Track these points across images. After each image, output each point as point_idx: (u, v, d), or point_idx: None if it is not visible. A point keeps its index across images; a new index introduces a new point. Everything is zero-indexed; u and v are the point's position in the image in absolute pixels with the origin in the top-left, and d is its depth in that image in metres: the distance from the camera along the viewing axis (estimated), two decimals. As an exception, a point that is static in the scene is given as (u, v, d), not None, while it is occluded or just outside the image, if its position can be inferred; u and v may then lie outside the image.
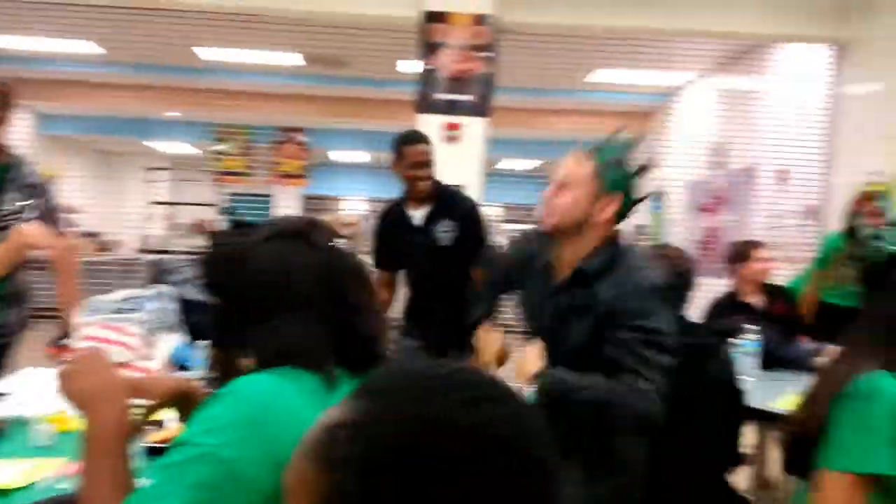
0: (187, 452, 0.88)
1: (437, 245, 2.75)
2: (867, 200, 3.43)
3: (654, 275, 1.72)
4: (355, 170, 12.82)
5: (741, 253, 3.39)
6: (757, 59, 6.05)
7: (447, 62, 4.55)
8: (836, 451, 1.31)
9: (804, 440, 1.39)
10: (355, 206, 13.25)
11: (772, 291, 3.40)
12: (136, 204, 10.52)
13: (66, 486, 1.41)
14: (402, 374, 0.57)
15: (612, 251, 1.73)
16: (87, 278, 2.66)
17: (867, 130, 4.71)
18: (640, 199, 1.78)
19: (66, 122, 9.61)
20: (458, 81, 4.61)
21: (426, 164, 2.77)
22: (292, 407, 0.93)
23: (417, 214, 2.83)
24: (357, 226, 13.10)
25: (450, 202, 2.82)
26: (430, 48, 4.58)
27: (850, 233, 2.55)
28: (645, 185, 1.80)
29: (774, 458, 3.34)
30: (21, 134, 7.94)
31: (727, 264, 3.46)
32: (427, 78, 4.59)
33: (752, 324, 3.15)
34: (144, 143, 10.94)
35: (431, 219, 2.80)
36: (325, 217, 13.58)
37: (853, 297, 3.41)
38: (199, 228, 9.73)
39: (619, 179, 1.72)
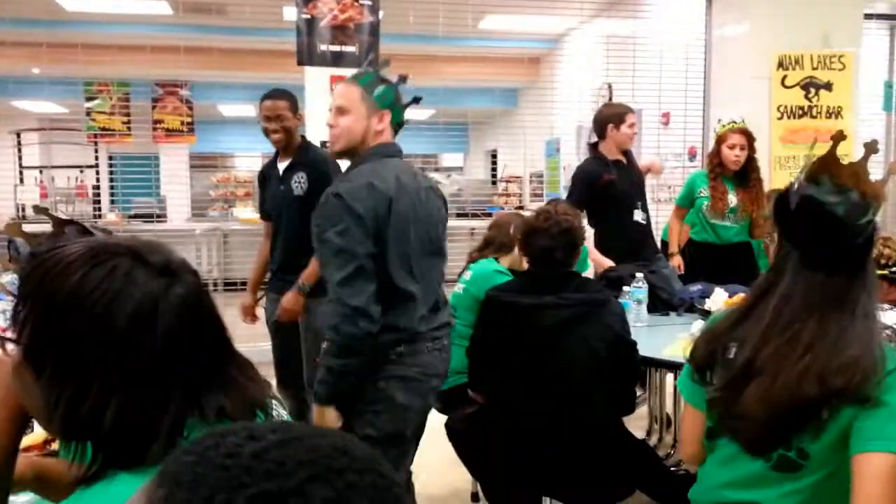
0: None
1: (292, 195, 2.94)
2: (724, 141, 3.61)
3: (375, 168, 1.94)
4: (247, 125, 12.31)
5: (619, 115, 3.59)
6: (638, 4, 6.16)
7: (327, 11, 4.38)
8: None
9: (786, 419, 1.34)
10: (248, 164, 12.78)
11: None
12: (5, 169, 9.72)
13: None
14: (200, 460, 0.48)
15: (362, 157, 1.99)
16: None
17: (738, 73, 4.91)
18: (409, 104, 2.11)
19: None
20: (341, 31, 4.44)
21: (273, 118, 2.95)
22: None
23: (281, 166, 3.04)
24: (253, 184, 12.67)
25: (305, 155, 3.02)
26: (308, -4, 4.39)
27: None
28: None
29: (668, 395, 3.51)
30: None
31: (600, 124, 3.64)
32: (307, 28, 4.40)
33: (616, 173, 3.51)
34: (10, 103, 10.09)
35: (289, 170, 2.99)
36: (217, 175, 12.92)
37: (732, 235, 3.63)
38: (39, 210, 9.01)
39: (385, 94, 2.02)
